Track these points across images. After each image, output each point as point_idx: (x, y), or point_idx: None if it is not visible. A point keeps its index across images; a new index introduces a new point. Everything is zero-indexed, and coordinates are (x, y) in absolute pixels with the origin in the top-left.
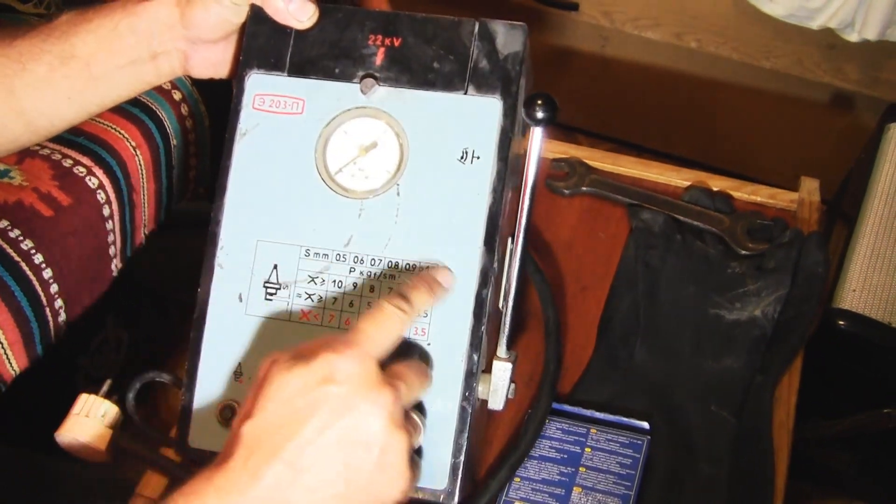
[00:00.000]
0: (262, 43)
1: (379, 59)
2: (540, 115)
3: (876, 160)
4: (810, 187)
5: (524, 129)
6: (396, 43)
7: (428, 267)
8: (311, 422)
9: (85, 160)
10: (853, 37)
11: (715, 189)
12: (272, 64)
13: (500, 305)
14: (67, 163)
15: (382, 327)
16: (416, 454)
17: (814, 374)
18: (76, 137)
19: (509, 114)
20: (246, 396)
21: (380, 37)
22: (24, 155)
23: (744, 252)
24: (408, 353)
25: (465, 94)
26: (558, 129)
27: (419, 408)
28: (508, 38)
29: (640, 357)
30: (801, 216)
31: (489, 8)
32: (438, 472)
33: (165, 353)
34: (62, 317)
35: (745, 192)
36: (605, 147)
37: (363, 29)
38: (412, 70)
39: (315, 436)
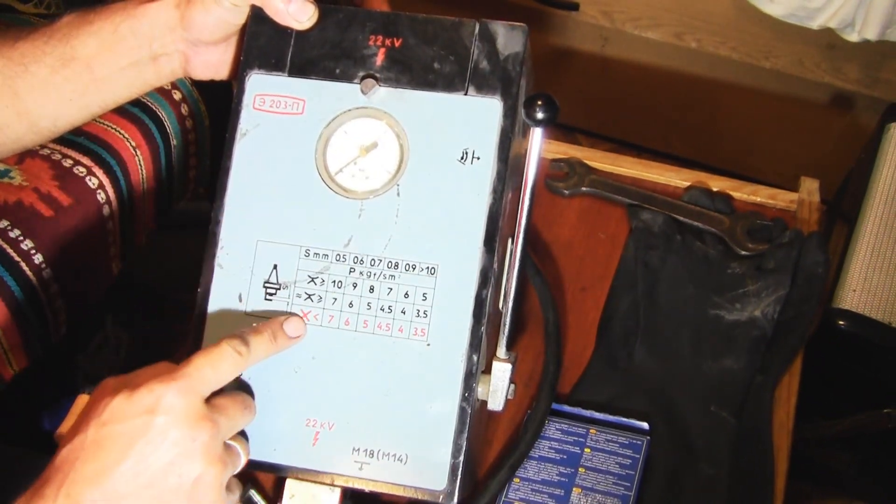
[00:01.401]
0: (262, 43)
1: (379, 60)
2: (540, 115)
3: (876, 160)
4: (810, 187)
5: (524, 129)
6: (397, 44)
7: (283, 314)
8: (130, 450)
9: (85, 160)
10: (853, 37)
11: (715, 189)
12: (273, 64)
13: (500, 306)
14: (67, 163)
15: (215, 366)
16: (234, 478)
17: (814, 375)
18: (76, 137)
19: (509, 114)
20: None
21: (380, 37)
22: (25, 155)
23: (744, 252)
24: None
25: (466, 94)
26: (558, 129)
27: (243, 434)
28: (509, 38)
29: (640, 357)
30: (800, 216)
31: (489, 8)
32: (438, 472)
33: (165, 353)
34: (62, 317)
35: (745, 193)
36: (605, 147)
37: (364, 29)
38: (413, 71)
39: (134, 465)
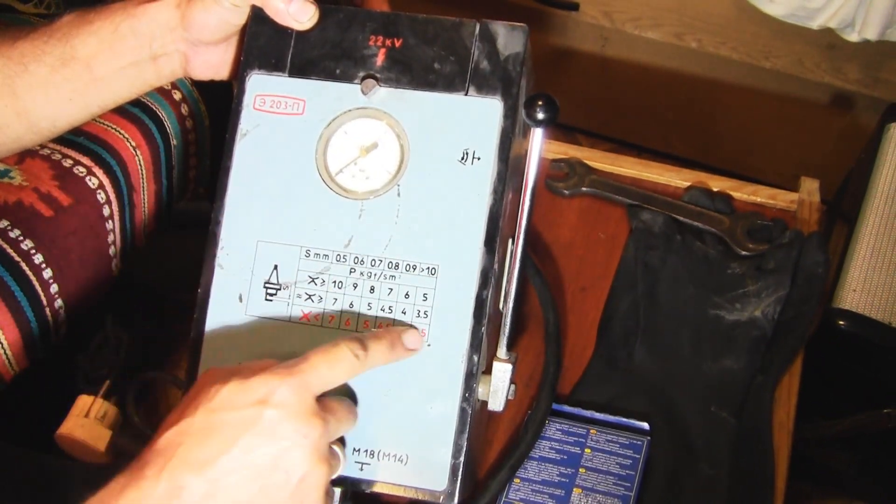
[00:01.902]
0: (263, 44)
1: (380, 60)
2: (541, 115)
3: (876, 160)
4: (810, 188)
5: (525, 129)
6: (397, 44)
7: (401, 324)
8: (238, 441)
9: (85, 160)
10: (853, 37)
11: (715, 189)
12: (273, 65)
13: (501, 307)
14: (67, 163)
15: (332, 366)
16: (331, 484)
17: (814, 375)
18: (76, 137)
19: (510, 115)
20: (176, 405)
21: (381, 38)
22: (25, 155)
23: (744, 252)
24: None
25: (466, 94)
26: (558, 129)
27: (341, 440)
28: (509, 39)
29: (640, 358)
30: (801, 216)
31: (489, 8)
32: (438, 473)
33: (165, 353)
34: (62, 317)
35: (745, 193)
36: (605, 147)
37: (364, 30)
38: (413, 71)
39: (240, 456)
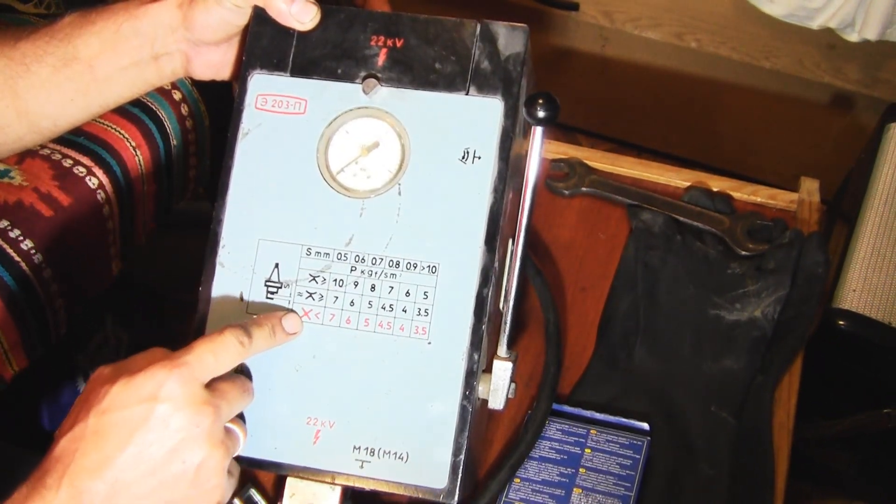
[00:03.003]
0: (264, 44)
1: (381, 60)
2: (541, 114)
3: (876, 160)
4: (810, 188)
5: (525, 129)
6: (398, 44)
7: (280, 310)
8: (132, 439)
9: (85, 160)
10: (853, 37)
11: (715, 189)
12: (275, 64)
13: (501, 306)
14: (67, 163)
15: (217, 354)
16: (234, 461)
17: (814, 375)
18: (76, 137)
19: (510, 114)
20: (69, 411)
21: (382, 38)
22: (25, 155)
23: (744, 253)
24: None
25: (467, 94)
26: (558, 129)
27: (241, 416)
28: (510, 39)
29: (640, 358)
30: (801, 216)
31: (489, 8)
32: (439, 471)
33: None
34: (62, 317)
35: (745, 193)
36: (605, 147)
37: (365, 30)
38: (414, 71)
39: (136, 453)
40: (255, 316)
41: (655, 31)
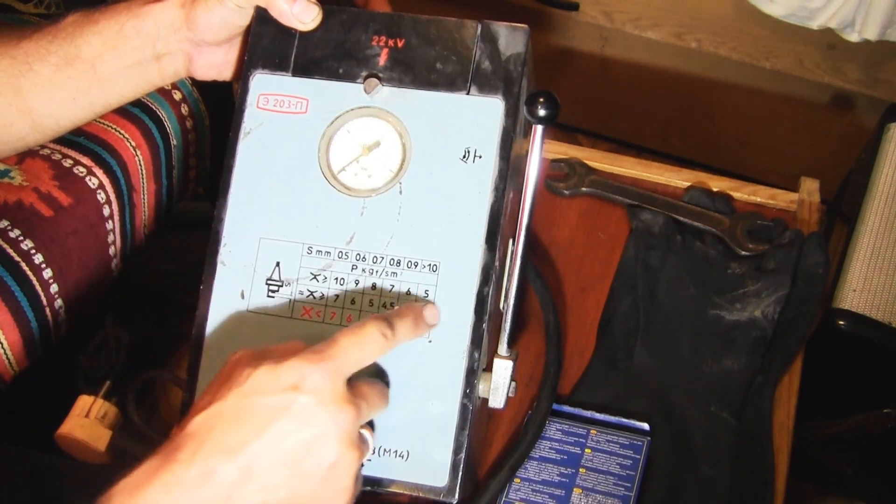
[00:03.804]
0: (266, 43)
1: (382, 60)
2: (542, 112)
3: (876, 160)
4: (810, 188)
5: (526, 129)
6: (400, 44)
7: (419, 300)
8: (270, 427)
9: (85, 160)
10: (853, 37)
11: (715, 190)
12: (277, 64)
13: (501, 305)
14: (67, 163)
15: (362, 347)
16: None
17: (814, 375)
18: (76, 137)
19: (511, 114)
20: (207, 387)
21: (383, 38)
22: (25, 155)
23: (744, 253)
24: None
25: (468, 94)
26: (558, 129)
27: (370, 423)
28: (511, 39)
29: (640, 358)
30: (801, 217)
31: (489, 8)
32: (439, 469)
33: (165, 352)
34: (62, 317)
35: (745, 193)
36: (605, 147)
37: (367, 30)
38: (415, 71)
39: (272, 442)
40: (396, 307)
41: (655, 31)
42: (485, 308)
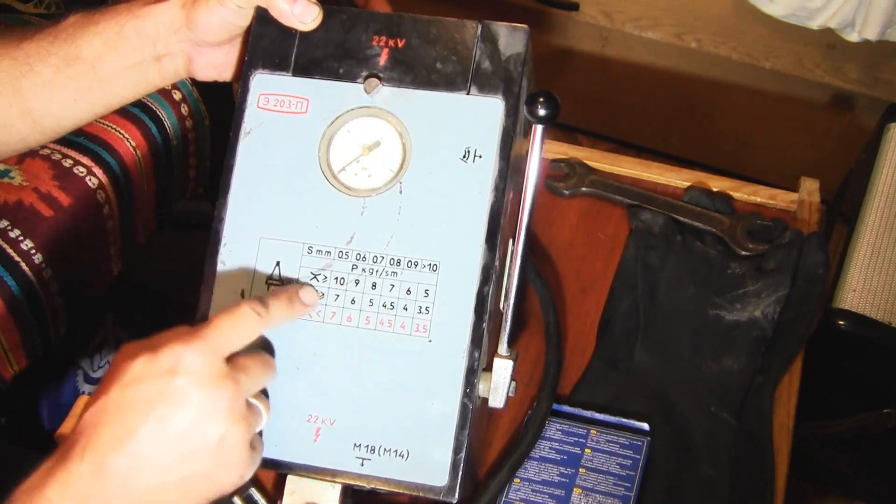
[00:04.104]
0: (267, 44)
1: (383, 60)
2: (542, 112)
3: (876, 160)
4: (810, 188)
5: (526, 129)
6: (400, 44)
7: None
8: (152, 413)
9: (85, 160)
10: (853, 37)
11: (715, 190)
12: (277, 64)
13: (501, 305)
14: (67, 163)
15: (236, 326)
16: (258, 436)
17: (814, 375)
18: (76, 137)
19: (511, 114)
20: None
21: (384, 38)
22: (25, 155)
23: (744, 253)
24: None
25: (468, 94)
26: (558, 129)
27: (264, 392)
28: (511, 39)
29: (640, 358)
30: (800, 217)
31: (489, 8)
32: (439, 469)
33: None
34: (62, 316)
35: (745, 193)
36: (605, 147)
37: (367, 30)
38: (415, 70)
39: (156, 428)
40: (271, 288)
41: (655, 31)
42: (485, 307)
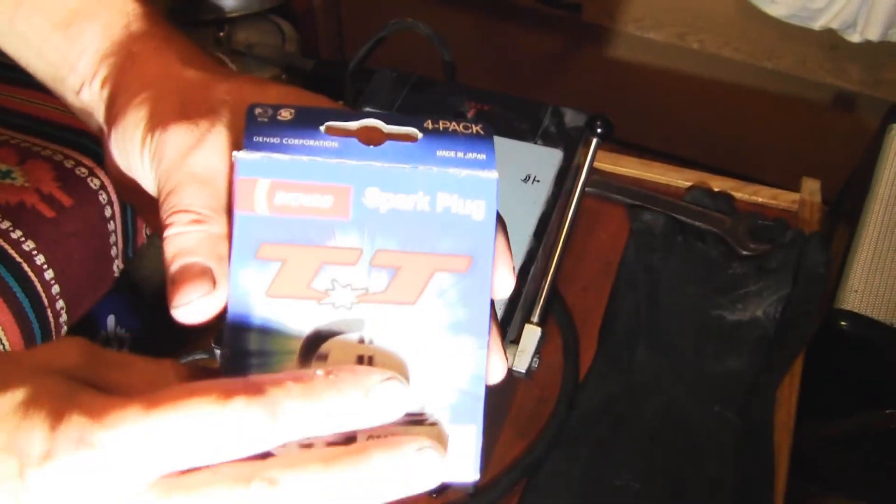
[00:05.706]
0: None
1: (470, 114)
2: (599, 131)
3: (878, 161)
4: (812, 188)
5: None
6: (486, 108)
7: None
8: None
9: (87, 161)
10: (855, 37)
11: (716, 189)
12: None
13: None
14: (69, 164)
15: (193, 426)
16: None
17: (815, 375)
18: (78, 138)
19: (567, 159)
20: None
21: (474, 103)
22: (27, 156)
23: (745, 253)
24: None
25: (535, 143)
26: None
27: None
28: (574, 117)
29: (643, 358)
30: (802, 217)
31: (491, 9)
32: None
33: (166, 353)
34: (63, 318)
35: (747, 193)
36: (606, 147)
37: (461, 98)
38: (496, 125)
39: None
40: None
41: (658, 31)
42: (524, 280)
